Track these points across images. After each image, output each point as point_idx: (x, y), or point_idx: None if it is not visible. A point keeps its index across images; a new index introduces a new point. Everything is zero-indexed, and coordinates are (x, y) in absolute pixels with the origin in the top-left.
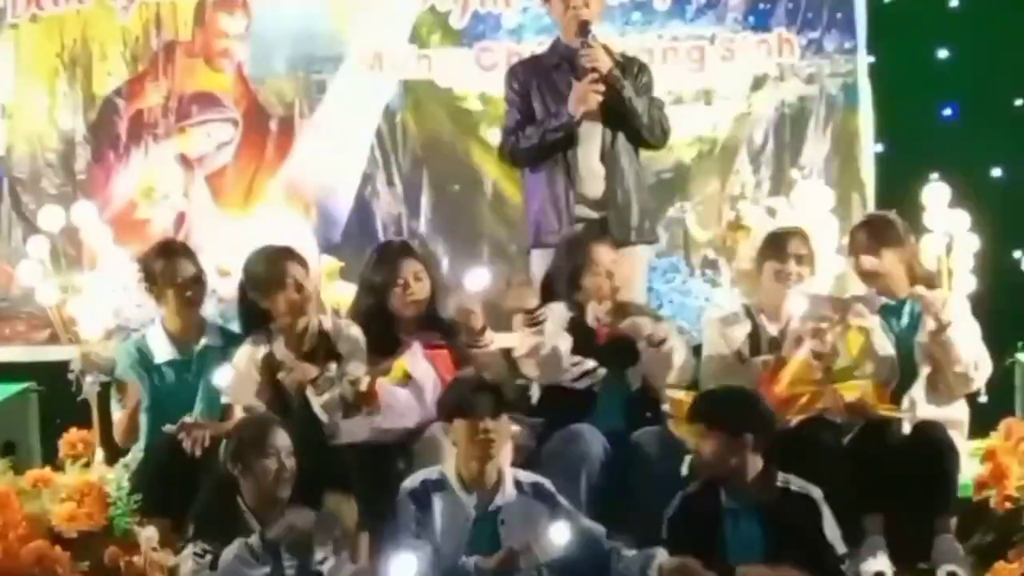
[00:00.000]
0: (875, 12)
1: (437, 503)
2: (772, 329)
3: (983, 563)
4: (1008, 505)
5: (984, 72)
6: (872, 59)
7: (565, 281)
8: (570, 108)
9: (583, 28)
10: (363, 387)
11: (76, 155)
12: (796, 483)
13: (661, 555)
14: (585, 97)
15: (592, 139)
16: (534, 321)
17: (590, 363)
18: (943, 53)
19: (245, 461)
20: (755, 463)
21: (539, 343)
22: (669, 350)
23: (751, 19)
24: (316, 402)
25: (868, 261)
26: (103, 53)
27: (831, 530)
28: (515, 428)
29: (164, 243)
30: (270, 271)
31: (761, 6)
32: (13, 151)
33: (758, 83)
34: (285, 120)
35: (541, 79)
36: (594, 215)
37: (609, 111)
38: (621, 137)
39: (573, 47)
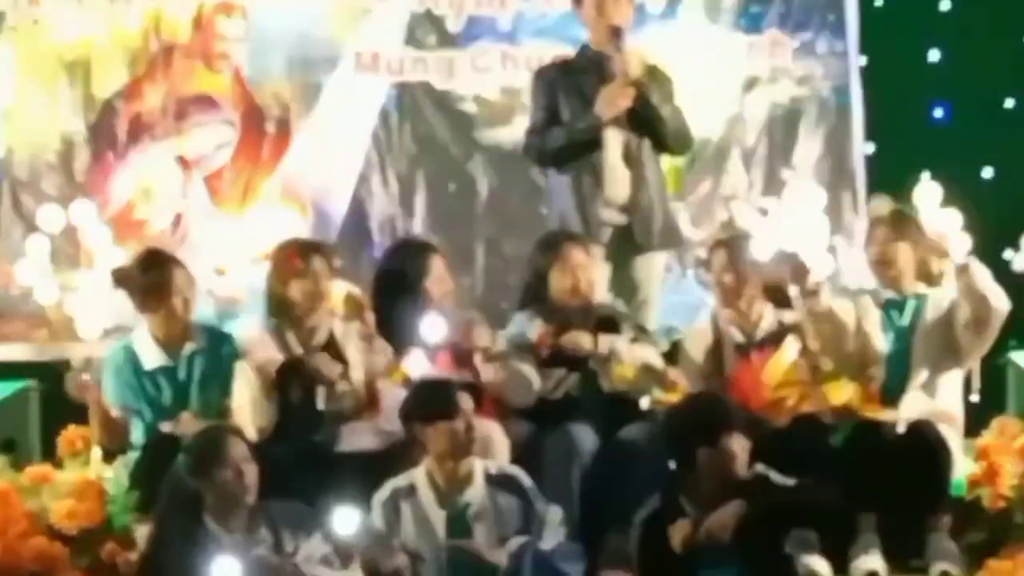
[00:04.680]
0: (866, 14)
1: (405, 511)
2: (739, 336)
3: (976, 561)
4: (1001, 504)
5: (975, 73)
6: (863, 61)
7: (537, 280)
8: (598, 111)
9: (616, 33)
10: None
11: (76, 156)
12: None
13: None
14: (614, 101)
15: (618, 143)
16: (491, 356)
17: (559, 372)
18: (934, 55)
19: (205, 474)
20: None
21: (505, 374)
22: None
23: (743, 21)
24: (323, 403)
25: (887, 252)
26: (103, 55)
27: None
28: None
29: (150, 254)
30: (293, 258)
31: (753, 9)
32: (13, 152)
33: (750, 85)
34: (282, 122)
35: (569, 82)
36: (619, 219)
37: (635, 117)
38: (646, 143)
39: (603, 53)
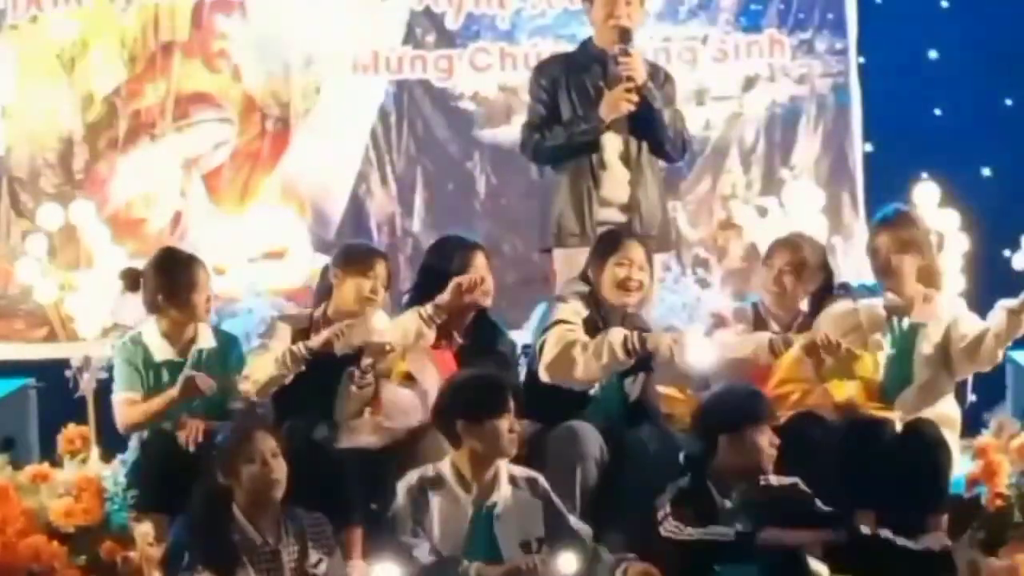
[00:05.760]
0: (866, 13)
1: (435, 501)
2: (775, 327)
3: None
4: (999, 502)
5: (974, 72)
6: (863, 60)
7: (595, 271)
8: (601, 113)
9: (624, 35)
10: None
11: (75, 155)
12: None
13: (633, 560)
14: (618, 105)
15: (617, 144)
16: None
17: None
18: (933, 54)
19: (233, 470)
20: None
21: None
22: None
23: (742, 20)
24: (352, 390)
25: (891, 263)
26: (102, 54)
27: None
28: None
29: (169, 253)
30: (364, 254)
31: (752, 7)
32: (12, 151)
33: (749, 83)
34: (281, 120)
35: (570, 78)
36: (618, 218)
37: (636, 120)
38: (645, 146)
39: (608, 51)
